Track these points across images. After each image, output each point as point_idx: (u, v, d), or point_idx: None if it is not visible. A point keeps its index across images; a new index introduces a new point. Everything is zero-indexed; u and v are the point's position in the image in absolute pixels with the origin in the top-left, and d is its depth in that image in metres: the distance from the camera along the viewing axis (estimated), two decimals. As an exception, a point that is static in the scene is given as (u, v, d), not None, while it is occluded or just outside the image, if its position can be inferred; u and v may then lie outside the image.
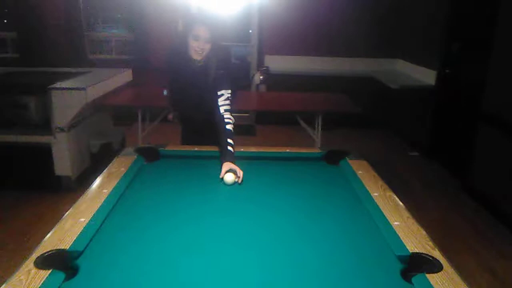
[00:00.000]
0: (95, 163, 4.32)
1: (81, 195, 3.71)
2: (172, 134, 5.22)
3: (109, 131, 4.58)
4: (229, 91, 2.45)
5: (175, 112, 3.01)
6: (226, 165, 2.14)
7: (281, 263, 1.45)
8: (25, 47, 6.20)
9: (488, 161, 3.94)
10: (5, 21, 6.50)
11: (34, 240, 3.18)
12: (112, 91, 4.40)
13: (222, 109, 2.39)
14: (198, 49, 2.37)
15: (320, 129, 4.32)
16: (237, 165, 2.16)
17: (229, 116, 2.40)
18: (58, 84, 3.84)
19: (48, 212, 3.64)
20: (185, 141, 2.97)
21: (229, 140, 2.30)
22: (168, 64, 2.78)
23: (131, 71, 5.05)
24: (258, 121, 6.32)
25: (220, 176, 2.11)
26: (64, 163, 3.95)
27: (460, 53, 4.65)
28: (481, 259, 2.82)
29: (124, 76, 4.84)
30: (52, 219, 3.47)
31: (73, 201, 3.87)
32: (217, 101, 2.41)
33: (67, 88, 3.80)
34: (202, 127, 2.68)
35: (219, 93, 2.42)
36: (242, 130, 5.59)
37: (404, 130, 5.90)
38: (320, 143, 4.33)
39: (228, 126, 2.36)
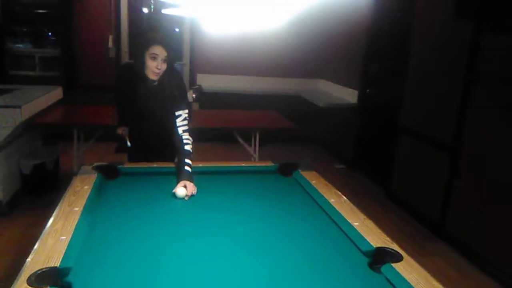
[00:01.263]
0: (28, 185, 4.11)
1: (13, 220, 3.53)
2: (105, 153, 5.13)
3: (41, 151, 4.37)
4: (186, 111, 2.50)
5: (123, 127, 2.98)
6: (182, 183, 2.20)
7: (253, 270, 1.55)
8: None
9: (407, 168, 4.43)
10: None
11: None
12: (44, 110, 4.24)
13: (180, 130, 2.45)
14: (155, 69, 2.40)
15: (258, 145, 4.54)
16: (195, 181, 2.25)
17: (187, 136, 2.46)
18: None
19: (-22, 238, 3.40)
20: (133, 158, 2.95)
21: (187, 161, 2.36)
22: (118, 81, 2.81)
23: (61, 88, 4.89)
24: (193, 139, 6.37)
25: (173, 191, 2.18)
26: (-7, 186, 3.72)
27: (378, 74, 5.17)
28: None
29: (55, 93, 4.68)
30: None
31: (6, 226, 3.68)
32: (175, 122, 2.45)
33: (0, 106, 3.61)
34: (153, 144, 2.75)
35: (177, 113, 2.46)
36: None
37: (330, 145, 6.35)
38: (258, 158, 4.54)
39: (187, 147, 2.43)
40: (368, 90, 5.34)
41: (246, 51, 6.33)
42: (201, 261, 1.60)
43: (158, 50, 2.37)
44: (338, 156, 5.98)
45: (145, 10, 6.64)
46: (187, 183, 2.21)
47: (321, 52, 6.56)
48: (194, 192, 2.21)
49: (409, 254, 1.63)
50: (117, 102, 2.95)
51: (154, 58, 2.38)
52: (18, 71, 6.08)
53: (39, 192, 4.10)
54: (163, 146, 2.68)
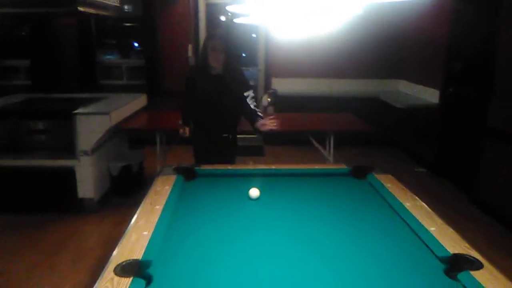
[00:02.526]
0: (115, 185, 4.44)
1: (103, 217, 3.84)
2: (186, 156, 5.39)
3: (127, 154, 4.71)
4: (252, 91, 3.02)
5: (187, 126, 3.28)
6: (260, 122, 2.92)
7: (323, 275, 1.55)
8: (38, 74, 6.37)
9: (495, 172, 4.12)
10: (22, 47, 6.64)
11: (63, 262, 3.28)
12: (130, 115, 4.56)
13: (252, 106, 3.00)
14: (215, 59, 2.89)
15: (332, 147, 4.49)
16: (269, 183, 2.45)
17: (259, 110, 3.02)
18: (83, 109, 4.00)
19: (73, 233, 3.74)
20: (199, 158, 3.27)
21: (260, 114, 2.98)
22: (188, 78, 3.21)
23: (146, 95, 5.22)
24: (267, 142, 6.48)
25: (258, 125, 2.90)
26: (87, 186, 4.07)
27: (462, 72, 4.87)
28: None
29: (140, 100, 5.01)
30: (78, 241, 3.61)
31: (97, 222, 4.01)
32: (245, 101, 2.97)
33: (92, 113, 3.96)
34: (218, 141, 3.11)
35: (245, 94, 2.97)
36: (250, 151, 5.76)
37: (410, 148, 6.09)
38: (332, 162, 4.50)
39: (259, 113, 3.00)
40: (451, 90, 5.05)
41: (320, 53, 6.31)
42: (271, 262, 1.63)
43: (217, 43, 2.89)
44: (419, 159, 5.71)
45: (223, 18, 6.88)
46: (263, 120, 2.89)
47: (400, 51, 6.35)
48: (273, 125, 2.87)
49: (494, 262, 1.53)
50: (186, 100, 3.24)
51: (214, 49, 2.88)
52: (107, 81, 6.62)
53: (126, 192, 4.41)
54: (228, 128, 3.15)
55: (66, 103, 4.42)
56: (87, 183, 4.06)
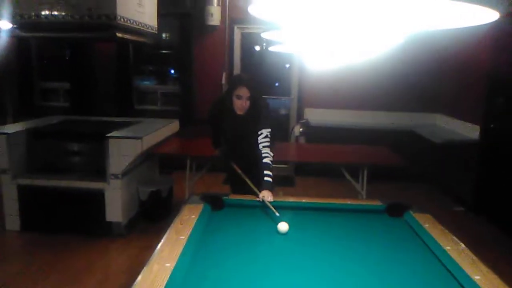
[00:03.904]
0: (144, 210, 4.43)
1: (130, 241, 3.84)
2: (216, 183, 5.35)
3: (157, 179, 4.71)
4: (269, 129, 2.85)
5: (220, 148, 3.38)
6: (262, 193, 2.55)
7: None
8: (76, 96, 6.56)
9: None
10: (62, 70, 6.89)
11: (89, 284, 3.24)
12: (162, 141, 4.59)
13: (261, 146, 2.80)
14: (240, 106, 2.81)
15: (365, 182, 4.34)
16: (298, 216, 2.36)
17: (266, 151, 2.79)
18: (115, 133, 4.04)
19: (99, 257, 3.72)
20: (229, 181, 3.37)
21: (266, 172, 2.70)
22: (212, 114, 3.21)
23: (178, 121, 5.26)
24: (297, 173, 6.38)
25: (258, 198, 2.54)
26: (115, 209, 4.07)
27: (505, 107, 4.67)
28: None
29: (172, 126, 5.04)
30: (104, 264, 3.59)
31: (124, 246, 3.98)
32: (257, 140, 2.81)
33: (124, 136, 3.99)
34: (242, 164, 3.04)
35: (259, 132, 2.82)
36: (280, 181, 5.66)
37: (447, 185, 5.84)
38: (365, 196, 4.34)
39: (265, 160, 2.76)
40: (492, 125, 4.84)
41: (354, 84, 6.22)
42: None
43: (242, 91, 2.77)
44: (457, 198, 5.45)
45: (257, 48, 6.94)
46: (265, 192, 2.56)
47: (438, 84, 6.18)
48: (271, 199, 2.51)
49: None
50: (212, 129, 3.37)
51: (239, 97, 2.78)
52: (143, 106, 6.74)
53: (154, 217, 4.38)
54: (250, 166, 2.95)
55: (101, 126, 4.50)
56: (116, 206, 4.06)
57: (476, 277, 1.65)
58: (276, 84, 7.60)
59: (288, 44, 2.85)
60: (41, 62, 7.06)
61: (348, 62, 2.73)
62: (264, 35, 2.80)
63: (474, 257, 1.85)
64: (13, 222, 4.13)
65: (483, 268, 1.74)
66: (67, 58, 6.86)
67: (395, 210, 2.43)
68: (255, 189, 2.64)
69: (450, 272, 1.74)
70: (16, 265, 3.55)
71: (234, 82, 2.88)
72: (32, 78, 6.91)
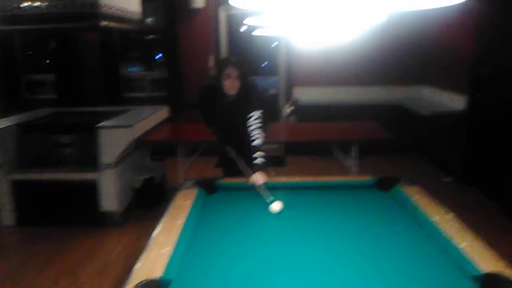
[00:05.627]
0: (138, 198, 4.46)
1: (126, 229, 3.86)
2: (206, 167, 5.38)
3: (150, 166, 4.74)
4: (260, 111, 2.86)
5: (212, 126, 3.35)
6: (253, 176, 2.54)
7: (356, 286, 1.51)
8: (63, 88, 6.51)
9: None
10: (47, 61, 6.82)
11: (87, 274, 3.29)
12: (153, 128, 4.59)
13: (251, 128, 2.81)
14: (230, 85, 2.83)
15: (356, 158, 4.40)
16: (291, 195, 2.36)
17: (257, 132, 2.79)
18: (106, 123, 4.04)
19: (97, 247, 3.76)
20: (221, 164, 3.35)
21: (257, 154, 2.71)
22: (202, 98, 3.20)
23: (167, 108, 5.25)
24: (288, 152, 6.42)
25: (248, 181, 2.53)
26: (110, 199, 4.10)
27: (490, 77, 4.72)
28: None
29: (162, 113, 5.04)
30: (102, 254, 3.63)
31: (120, 235, 4.03)
32: (249, 122, 2.82)
33: (114, 126, 4.00)
34: (237, 150, 3.00)
35: (250, 115, 2.83)
36: (271, 161, 5.70)
37: (437, 156, 5.93)
38: (356, 172, 4.40)
39: (256, 142, 2.76)
40: (478, 95, 4.90)
41: (342, 61, 6.22)
42: (296, 277, 1.59)
43: (231, 70, 2.81)
44: (446, 168, 5.55)
45: (243, 28, 6.90)
46: (257, 174, 2.55)
47: (424, 57, 6.20)
48: (262, 181, 2.49)
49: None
50: (203, 117, 3.34)
51: (228, 76, 2.81)
52: (131, 93, 6.70)
53: (149, 204, 4.42)
54: (242, 149, 2.92)
55: (90, 117, 4.49)
56: (110, 196, 4.09)
57: (462, 245, 1.71)
58: (264, 64, 7.59)
59: (271, 28, 2.86)
60: (25, 54, 6.97)
61: (333, 40, 2.74)
62: (248, 21, 2.80)
63: (461, 226, 1.91)
64: (8, 217, 4.15)
65: (470, 235, 1.81)
66: (50, 49, 6.78)
67: (385, 184, 2.49)
68: (247, 172, 2.67)
69: (438, 241, 1.80)
70: (15, 260, 3.58)
71: (222, 63, 2.97)
72: (17, 71, 6.83)
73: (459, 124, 5.19)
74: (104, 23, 3.94)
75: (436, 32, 5.95)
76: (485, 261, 1.58)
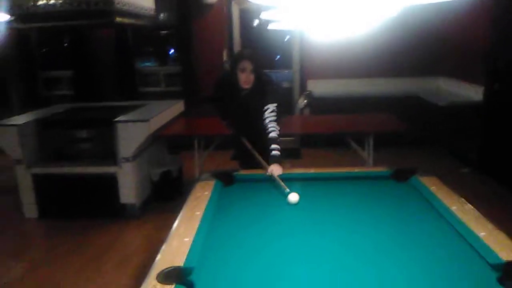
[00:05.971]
0: (156, 191, 4.53)
1: (145, 222, 3.92)
2: (222, 160, 5.42)
3: (167, 160, 4.80)
4: (275, 104, 2.87)
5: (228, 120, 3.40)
6: (270, 167, 2.58)
7: (364, 281, 1.51)
8: (80, 84, 6.61)
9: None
10: (64, 58, 6.92)
11: (107, 266, 3.37)
12: (169, 122, 4.65)
13: (267, 120, 2.83)
14: (245, 79, 2.84)
15: (371, 149, 4.39)
16: (307, 186, 2.39)
17: (273, 125, 2.81)
18: (123, 117, 4.10)
19: (117, 238, 3.84)
20: (237, 157, 3.41)
21: (273, 146, 2.72)
22: (217, 92, 3.23)
23: (183, 102, 5.30)
24: (303, 144, 6.43)
25: (266, 173, 2.56)
26: (129, 192, 4.17)
27: (507, 68, 4.66)
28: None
29: (178, 107, 5.09)
30: (122, 245, 3.70)
31: (139, 227, 4.10)
32: (263, 115, 2.84)
33: (132, 120, 4.06)
34: (253, 143, 3.02)
35: (265, 107, 2.85)
36: (287, 154, 5.72)
37: (453, 148, 5.88)
38: (372, 164, 4.40)
39: (272, 134, 2.78)
40: (495, 86, 4.84)
41: (356, 53, 6.18)
42: (313, 267, 1.61)
43: (246, 64, 2.82)
44: (463, 159, 5.50)
45: (256, 22, 6.90)
46: (274, 166, 2.58)
47: (440, 47, 6.12)
48: (280, 172, 2.53)
49: None
50: (218, 111, 3.40)
51: (243, 70, 2.82)
52: (146, 88, 6.77)
53: (166, 197, 4.49)
54: (258, 141, 2.94)
55: (107, 112, 4.56)
56: (129, 189, 4.16)
57: (482, 234, 1.72)
58: (277, 57, 7.58)
59: (286, 22, 2.87)
60: (42, 51, 7.08)
61: (347, 33, 2.74)
62: (262, 16, 2.81)
63: (480, 215, 1.91)
64: (31, 210, 4.26)
65: (489, 225, 1.81)
66: (66, 45, 6.88)
67: (402, 175, 2.49)
68: (264, 163, 2.70)
69: (457, 230, 1.81)
70: (39, 252, 3.69)
71: (237, 57, 2.96)
72: (34, 68, 6.95)
73: (476, 114, 5.13)
74: (118, 19, 3.99)
75: (452, 22, 5.87)
76: (505, 250, 1.58)
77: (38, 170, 4.20)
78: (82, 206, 4.26)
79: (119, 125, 4.02)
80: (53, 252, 3.64)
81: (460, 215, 1.91)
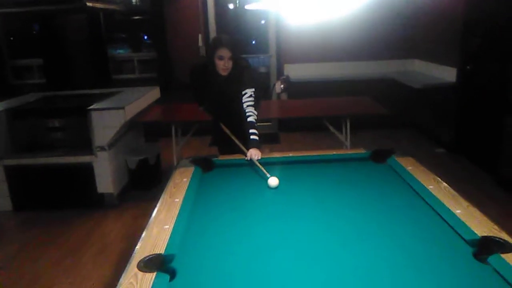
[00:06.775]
0: (134, 179, 4.47)
1: (123, 211, 3.88)
2: (200, 146, 5.39)
3: (144, 147, 4.73)
4: (252, 89, 2.86)
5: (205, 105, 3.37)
6: (250, 151, 2.58)
7: (346, 261, 1.53)
8: (51, 72, 6.40)
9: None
10: (33, 47, 6.70)
11: (86, 256, 3.32)
12: (144, 109, 4.57)
13: (245, 105, 2.82)
14: (223, 67, 2.80)
15: (349, 132, 4.44)
16: (287, 170, 2.41)
17: (251, 109, 2.81)
18: (97, 105, 4.01)
19: (95, 228, 3.78)
20: (215, 143, 3.38)
21: (251, 130, 2.73)
22: (193, 78, 3.18)
23: (158, 88, 5.21)
24: (281, 129, 6.45)
25: (246, 158, 2.57)
26: (106, 181, 4.10)
27: (481, 49, 4.74)
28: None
29: (153, 93, 5.00)
30: (101, 235, 3.66)
31: (118, 216, 4.06)
32: (241, 100, 2.83)
33: (106, 108, 3.97)
34: (231, 128, 3.01)
35: (243, 92, 2.84)
36: (265, 139, 5.73)
37: (429, 128, 5.99)
38: (349, 146, 4.45)
39: (250, 118, 2.78)
40: (468, 67, 4.93)
41: (332, 37, 6.19)
42: (294, 250, 1.62)
43: (224, 52, 2.76)
44: (438, 140, 5.61)
45: (231, 6, 6.80)
46: (253, 150, 2.58)
47: (413, 29, 6.19)
48: (259, 157, 2.54)
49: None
50: (195, 97, 3.35)
51: (221, 58, 2.77)
52: (120, 75, 6.63)
53: (144, 185, 4.44)
54: (236, 126, 2.92)
55: (81, 100, 4.45)
56: (106, 178, 4.09)
57: (457, 211, 1.76)
58: (253, 42, 7.51)
59: (263, 2, 2.83)
60: (10, 39, 6.83)
61: (323, 16, 2.73)
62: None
63: (456, 194, 1.95)
64: (4, 203, 4.14)
65: (464, 202, 1.85)
66: (34, 32, 6.64)
67: (379, 156, 2.52)
68: (243, 148, 2.69)
69: (433, 208, 1.84)
70: (14, 245, 3.59)
71: (214, 44, 2.85)
72: (2, 56, 6.70)
73: (450, 96, 5.22)
74: (90, 4, 3.88)
75: (425, 4, 5.93)
76: (480, 226, 1.62)
77: (10, 162, 4.08)
78: (59, 197, 4.17)
79: (94, 113, 3.93)
80: (30, 244, 3.57)
81: (437, 193, 1.95)
